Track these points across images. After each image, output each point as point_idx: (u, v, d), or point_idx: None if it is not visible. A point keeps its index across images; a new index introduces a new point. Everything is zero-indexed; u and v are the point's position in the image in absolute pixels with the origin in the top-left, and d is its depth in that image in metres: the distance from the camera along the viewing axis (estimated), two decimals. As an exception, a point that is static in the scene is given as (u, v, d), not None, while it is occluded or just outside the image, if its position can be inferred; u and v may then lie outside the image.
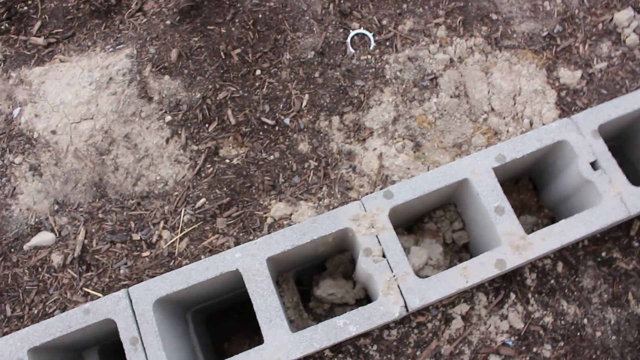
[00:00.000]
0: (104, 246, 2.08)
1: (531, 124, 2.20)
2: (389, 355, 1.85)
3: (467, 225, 1.98)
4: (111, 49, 2.42)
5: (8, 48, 2.47)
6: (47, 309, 2.02)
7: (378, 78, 2.31)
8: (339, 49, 2.37)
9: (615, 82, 2.30)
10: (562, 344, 1.89)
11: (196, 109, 2.30)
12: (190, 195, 2.19)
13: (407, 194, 1.77)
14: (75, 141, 2.21)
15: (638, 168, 2.18)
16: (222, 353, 2.25)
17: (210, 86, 2.33)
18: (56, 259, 2.06)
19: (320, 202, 2.13)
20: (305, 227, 1.77)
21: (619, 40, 2.39)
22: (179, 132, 2.27)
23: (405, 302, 1.67)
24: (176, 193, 2.19)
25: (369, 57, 2.35)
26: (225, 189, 2.19)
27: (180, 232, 2.11)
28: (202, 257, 2.06)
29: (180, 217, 2.13)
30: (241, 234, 2.10)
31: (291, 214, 2.12)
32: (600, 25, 2.42)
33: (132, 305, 1.67)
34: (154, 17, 2.51)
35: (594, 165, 1.83)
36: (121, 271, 2.04)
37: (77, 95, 2.27)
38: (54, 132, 2.24)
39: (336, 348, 1.91)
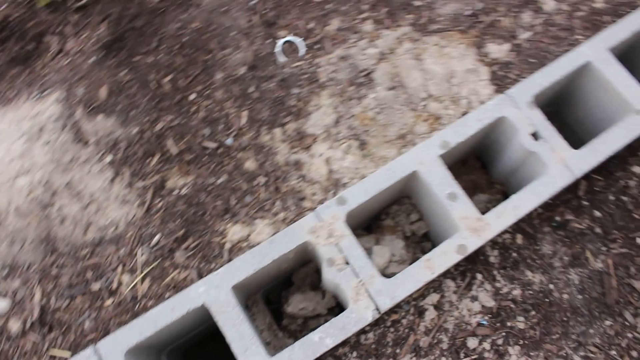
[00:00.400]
0: (63, 303, 2.02)
1: (469, 103, 2.23)
2: (370, 359, 1.86)
3: (424, 215, 2.00)
4: (37, 97, 2.35)
5: None
6: (16, 377, 1.95)
7: (313, 83, 2.30)
8: (270, 60, 2.35)
9: (542, 49, 2.35)
10: (533, 313, 1.93)
11: (136, 145, 2.25)
12: (144, 234, 2.14)
13: (360, 196, 1.78)
14: (14, 199, 2.14)
15: (577, 130, 2.23)
16: (205, 384, 2.22)
17: (146, 119, 2.29)
18: (14, 325, 1.99)
19: (276, 218, 2.11)
20: (265, 248, 1.75)
21: (538, 8, 2.44)
22: (122, 171, 2.22)
23: (376, 305, 1.67)
24: (129, 234, 2.14)
25: (301, 63, 2.34)
26: (178, 221, 2.15)
27: (140, 274, 2.06)
28: (167, 294, 2.02)
29: (137, 258, 2.09)
30: (202, 264, 2.07)
31: (249, 235, 2.10)
32: (519, -4, 2.47)
33: (102, 360, 1.63)
34: (77, 56, 2.44)
35: (534, 136, 1.87)
36: (86, 325, 1.98)
37: (8, 151, 2.19)
38: (-9, 194, 2.17)
39: (317, 360, 1.90)
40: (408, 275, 1.70)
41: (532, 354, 1.87)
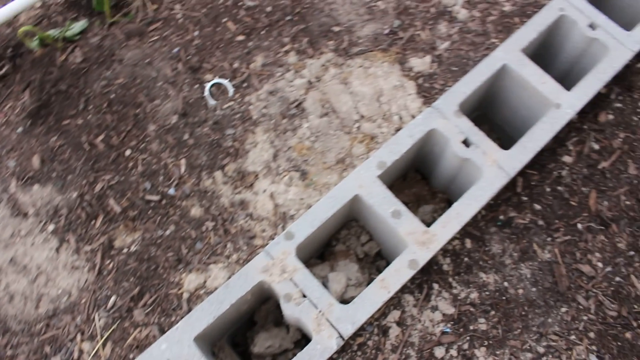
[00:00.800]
0: (23, 384, 1.96)
1: (401, 118, 2.29)
2: (341, 387, 1.87)
3: (373, 235, 2.03)
4: (-32, 176, 2.29)
5: None
6: None
7: (246, 121, 2.32)
8: (201, 105, 2.36)
9: (461, 56, 2.43)
10: (493, 312, 1.98)
11: (77, 209, 2.22)
12: (99, 298, 2.10)
13: (307, 229, 1.79)
14: (-43, 286, 2.07)
15: (506, 129, 2.32)
16: None
17: (84, 182, 2.25)
18: (-26, 418, 1.91)
19: (230, 260, 2.11)
20: (221, 294, 1.74)
21: (452, 18, 2.53)
22: (67, 238, 2.18)
23: (339, 332, 1.68)
24: (84, 300, 2.10)
25: (232, 103, 2.36)
26: (132, 279, 2.12)
27: (101, 339, 2.02)
28: (131, 356, 1.98)
29: (95, 324, 2.04)
30: (163, 319, 2.04)
31: (205, 282, 2.09)
32: (432, 9, 2.56)
33: None
34: (3, 128, 2.39)
35: (465, 142, 1.93)
36: (49, 403, 1.92)
37: (-56, 237, 2.12)
38: None
39: (291, 396, 1.90)
40: (365, 298, 1.72)
41: (497, 352, 1.92)
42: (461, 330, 1.95)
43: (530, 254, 2.07)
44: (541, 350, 1.92)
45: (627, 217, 2.13)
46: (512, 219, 2.11)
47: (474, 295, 2.00)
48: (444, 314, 1.96)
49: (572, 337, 1.95)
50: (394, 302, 1.96)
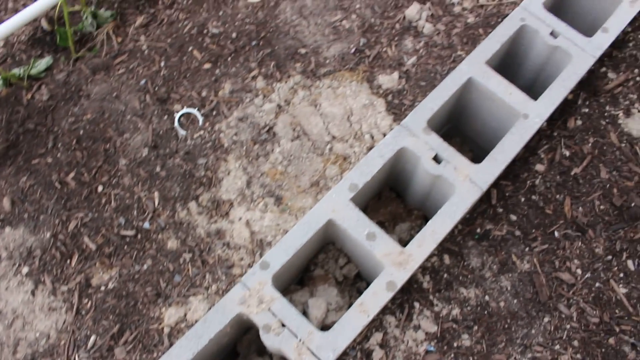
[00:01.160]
0: None
1: (372, 137, 2.28)
2: (326, 416, 1.84)
3: (351, 257, 2.02)
4: (-63, 223, 2.24)
5: None
6: None
7: (218, 149, 2.30)
8: (171, 136, 2.34)
9: (429, 71, 2.44)
10: (476, 327, 1.97)
11: (51, 249, 2.18)
12: (79, 338, 2.06)
13: (282, 257, 1.78)
14: None
15: (478, 141, 2.33)
16: None
17: (57, 221, 2.22)
18: None
19: (209, 291, 2.08)
20: (199, 329, 1.72)
21: (417, 33, 2.54)
22: (42, 279, 2.14)
23: (320, 360, 1.67)
24: (63, 342, 2.06)
25: (202, 132, 2.34)
26: (111, 317, 2.09)
27: (80, 382, 1.98)
28: (112, 398, 1.94)
29: (74, 367, 2.01)
30: (144, 355, 2.01)
31: (185, 315, 2.06)
32: (397, 26, 2.57)
33: None
34: (-29, 172, 2.36)
35: (436, 159, 1.93)
36: None
37: None
38: None
39: None
40: (345, 324, 1.71)
41: (483, 368, 1.91)
42: (445, 347, 1.94)
43: (510, 266, 2.07)
44: (526, 362, 1.92)
45: (602, 221, 2.14)
46: (489, 232, 2.11)
47: (456, 311, 1.99)
48: (426, 333, 1.95)
49: (557, 346, 1.94)
50: (376, 324, 1.95)
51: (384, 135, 2.27)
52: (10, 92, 2.50)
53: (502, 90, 2.05)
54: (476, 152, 2.35)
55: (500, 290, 2.03)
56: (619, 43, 2.45)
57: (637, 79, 2.38)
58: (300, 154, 2.27)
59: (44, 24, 2.63)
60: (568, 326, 1.98)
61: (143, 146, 2.32)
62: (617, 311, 2.01)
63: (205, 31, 2.56)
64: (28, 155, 2.36)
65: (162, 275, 2.13)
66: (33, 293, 2.13)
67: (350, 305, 1.86)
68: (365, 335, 1.93)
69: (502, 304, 2.01)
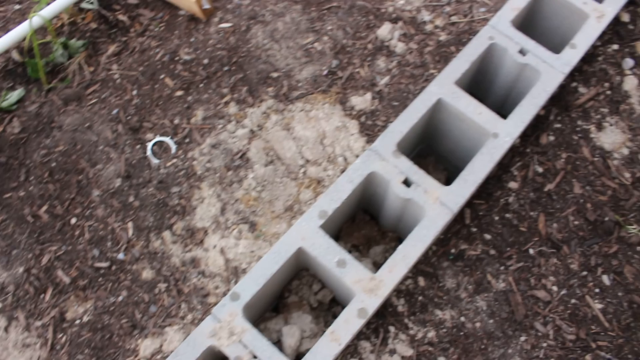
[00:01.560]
0: None
1: (345, 160, 2.28)
2: None
3: (325, 283, 2.01)
4: None
5: None
6: None
7: (191, 177, 2.29)
8: (144, 165, 2.34)
9: (402, 90, 2.45)
10: (452, 349, 1.96)
11: (24, 285, 2.17)
12: (53, 374, 2.04)
13: (252, 287, 1.77)
14: None
15: (451, 160, 2.32)
16: None
17: (29, 255, 2.21)
18: None
19: (185, 321, 2.07)
20: (170, 364, 1.70)
21: (390, 52, 2.55)
22: (16, 315, 2.13)
23: (292, 392, 1.65)
24: (37, 378, 2.04)
25: (175, 160, 2.33)
26: (87, 350, 2.07)
27: (55, 420, 1.96)
28: None
29: (49, 404, 1.99)
30: (119, 390, 1.99)
31: (161, 346, 2.05)
32: (369, 46, 2.57)
33: None
34: (-55, 207, 2.34)
35: (406, 182, 1.93)
36: None
37: None
38: None
39: None
40: (317, 353, 1.69)
41: (460, 391, 1.90)
42: (422, 371, 1.93)
43: (485, 285, 2.06)
44: (503, 383, 1.91)
45: (577, 237, 2.14)
46: (464, 252, 2.11)
47: (432, 334, 1.98)
48: (402, 357, 1.94)
49: (533, 366, 1.94)
50: (350, 350, 1.94)
51: (357, 157, 2.27)
52: (-18, 125, 2.50)
53: (471, 110, 2.05)
54: (451, 170, 2.35)
55: (476, 310, 2.02)
56: (589, 57, 2.46)
57: (608, 92, 2.39)
58: (274, 178, 2.27)
59: (15, 55, 2.63)
60: (545, 344, 1.97)
61: (116, 176, 2.31)
62: (593, 327, 2.00)
63: (177, 58, 2.56)
64: (0, 189, 2.35)
65: (138, 306, 2.12)
66: (6, 330, 2.11)
67: (325, 331, 1.84)
68: (340, 362, 1.92)
69: (478, 324, 2.00)
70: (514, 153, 2.28)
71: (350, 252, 2.14)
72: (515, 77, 2.26)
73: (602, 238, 2.14)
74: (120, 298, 2.14)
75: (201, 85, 2.48)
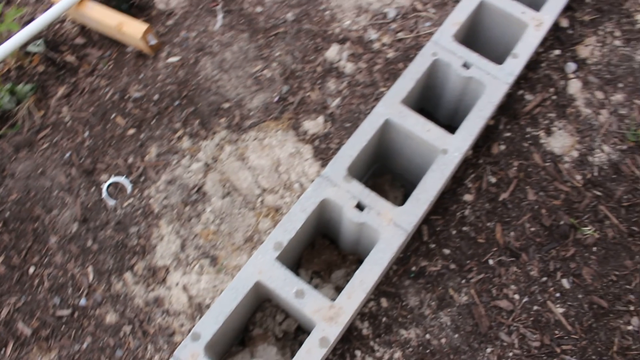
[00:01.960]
0: None
1: (301, 185, 2.29)
2: None
3: (288, 312, 2.01)
4: None
5: None
6: None
7: (149, 216, 2.28)
8: (100, 208, 2.32)
9: (353, 111, 2.46)
10: (420, 367, 1.97)
11: (-15, 340, 2.13)
12: None
13: (213, 326, 1.76)
14: None
15: (407, 177, 2.34)
16: None
17: (-11, 309, 2.17)
18: None
19: (151, 363, 2.05)
20: (134, 412, 1.69)
21: (340, 73, 2.57)
22: (-22, 372, 2.09)
23: None
24: None
25: (131, 200, 2.32)
26: (53, 401, 2.04)
27: None
28: None
29: None
30: None
31: (129, 391, 2.03)
32: (319, 68, 2.59)
33: None
34: None
35: (359, 206, 1.94)
36: None
37: None
38: None
39: None
40: (282, 388, 1.69)
41: (430, 409, 1.91)
42: (391, 392, 1.94)
43: (448, 300, 2.08)
44: (472, 397, 1.92)
45: (534, 243, 2.17)
46: (424, 268, 2.13)
47: (398, 354, 1.99)
48: (371, 380, 1.95)
49: (500, 377, 1.96)
50: (318, 379, 1.93)
51: (312, 182, 2.27)
52: None
53: (419, 129, 2.07)
54: (408, 187, 2.37)
55: (440, 326, 2.04)
56: (533, 64, 2.51)
57: (554, 97, 2.44)
58: (232, 210, 2.27)
59: (-37, 105, 2.60)
60: (511, 354, 1.99)
61: (72, 221, 2.29)
62: (556, 332, 2.03)
63: (127, 96, 2.55)
64: (-44, 243, 2.32)
65: (103, 351, 2.10)
66: (-29, 387, 2.07)
67: (291, 363, 1.84)
68: (308, 392, 1.91)
69: (443, 340, 2.01)
70: (467, 165, 2.31)
71: (312, 278, 2.14)
72: (462, 90, 2.29)
73: (559, 242, 2.17)
74: (84, 345, 2.11)
75: (153, 121, 2.48)
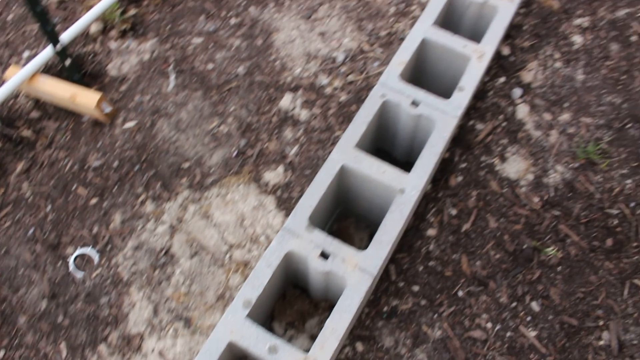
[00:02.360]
0: None
1: (267, 238, 2.31)
2: None
3: (265, 369, 2.01)
4: None
5: None
6: None
7: (118, 284, 2.28)
8: (69, 281, 2.31)
9: (312, 157, 2.51)
10: (402, 408, 1.98)
11: None
12: None
13: (188, 394, 1.75)
14: None
15: (370, 218, 2.38)
16: None
17: (-38, 399, 2.13)
18: None
19: None
20: None
21: (295, 121, 2.62)
22: None
23: None
24: None
25: (100, 270, 2.32)
26: None
27: None
28: None
29: None
30: None
31: None
32: (274, 119, 2.63)
33: None
34: None
35: (323, 255, 1.96)
36: None
37: None
38: None
39: None
40: None
41: None
42: None
43: (422, 337, 2.10)
44: None
45: (500, 270, 2.21)
46: (396, 308, 2.15)
47: (378, 397, 2.00)
48: None
49: (481, 408, 1.97)
50: None
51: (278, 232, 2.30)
52: None
53: (375, 171, 2.11)
54: (372, 227, 2.40)
55: (417, 364, 2.05)
56: (480, 94, 2.59)
57: (504, 124, 2.51)
58: (201, 269, 2.28)
59: None
60: (489, 384, 2.01)
61: (41, 298, 2.28)
62: (531, 355, 2.06)
63: (86, 166, 2.56)
64: None
65: None
66: None
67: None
68: None
69: (421, 377, 2.03)
70: (428, 200, 2.36)
71: (286, 330, 2.15)
72: (414, 127, 2.35)
73: (524, 266, 2.22)
74: None
75: (115, 189, 2.49)
